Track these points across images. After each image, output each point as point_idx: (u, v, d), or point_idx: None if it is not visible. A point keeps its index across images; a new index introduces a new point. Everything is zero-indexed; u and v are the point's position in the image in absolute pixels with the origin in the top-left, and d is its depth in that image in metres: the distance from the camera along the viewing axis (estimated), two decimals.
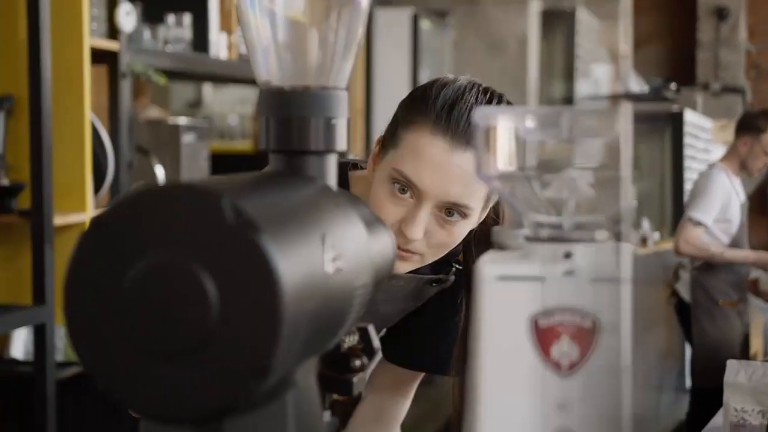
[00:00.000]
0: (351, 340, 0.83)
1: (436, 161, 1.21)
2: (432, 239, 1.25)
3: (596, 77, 5.66)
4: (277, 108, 0.75)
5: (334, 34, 0.77)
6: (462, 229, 1.27)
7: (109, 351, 0.60)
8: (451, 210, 1.24)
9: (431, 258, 1.28)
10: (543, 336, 0.65)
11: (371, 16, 4.60)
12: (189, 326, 0.58)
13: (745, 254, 4.52)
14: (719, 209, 4.34)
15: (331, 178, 0.77)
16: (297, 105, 0.74)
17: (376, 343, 0.85)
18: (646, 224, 6.13)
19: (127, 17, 2.65)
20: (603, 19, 7.88)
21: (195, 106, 5.99)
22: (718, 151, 8.19)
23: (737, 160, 4.43)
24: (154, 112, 4.72)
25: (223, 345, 0.58)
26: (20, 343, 2.73)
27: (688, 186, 6.99)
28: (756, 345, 4.75)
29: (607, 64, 5.69)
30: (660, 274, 4.54)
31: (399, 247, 1.23)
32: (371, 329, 0.84)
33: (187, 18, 3.10)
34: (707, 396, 4.26)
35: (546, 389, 0.65)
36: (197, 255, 0.58)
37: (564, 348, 0.65)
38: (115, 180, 2.63)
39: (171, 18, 3.06)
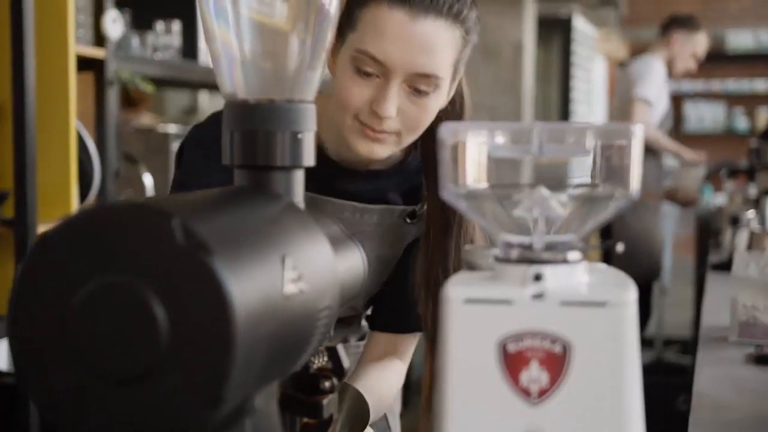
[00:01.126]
0: (319, 360, 0.81)
1: (398, 33, 1.19)
2: (405, 116, 1.23)
3: None
4: (241, 121, 0.72)
5: (301, 45, 0.75)
6: (434, 102, 1.25)
7: (55, 376, 0.58)
8: (420, 86, 1.21)
9: (407, 138, 1.26)
10: (512, 361, 0.62)
11: None
12: (137, 351, 0.56)
13: (684, 150, 4.59)
14: (658, 90, 4.37)
15: (298, 194, 0.74)
16: (262, 118, 0.72)
17: (346, 362, 0.82)
18: None
19: (114, 24, 2.62)
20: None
21: (190, 112, 5.97)
22: (600, 62, 8.24)
23: (667, 57, 4.46)
24: (146, 119, 4.70)
25: (173, 372, 0.55)
26: (3, 354, 2.70)
27: (574, 94, 7.00)
28: None
29: None
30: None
31: (373, 129, 1.22)
32: (340, 348, 0.81)
33: (176, 25, 3.08)
34: None
35: (515, 417, 0.63)
36: (146, 277, 0.56)
37: (533, 374, 0.62)
38: (101, 189, 2.60)
39: (160, 25, 3.03)
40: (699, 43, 4.49)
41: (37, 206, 2.30)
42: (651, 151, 4.38)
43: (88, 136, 2.56)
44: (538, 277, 0.63)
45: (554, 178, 0.68)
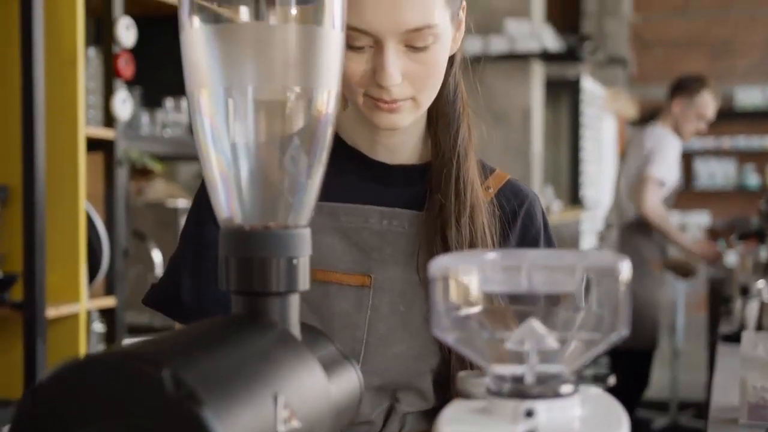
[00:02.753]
0: None
1: None
2: (413, 78, 1.15)
3: (511, 33, 5.49)
4: (236, 248, 0.73)
5: (296, 166, 0.75)
6: (438, 54, 1.16)
7: None
8: (416, 43, 1.13)
9: (425, 99, 1.18)
10: None
11: None
12: None
13: (691, 242, 4.56)
14: (672, 168, 4.37)
15: (293, 318, 0.75)
16: (257, 245, 0.73)
17: None
18: (549, 192, 6.04)
19: (124, 105, 2.65)
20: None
21: (201, 177, 5.97)
22: (609, 120, 8.27)
23: (672, 123, 4.46)
24: (159, 187, 4.73)
25: None
26: None
27: (584, 154, 6.99)
28: None
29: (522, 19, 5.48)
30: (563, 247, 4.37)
31: (385, 101, 1.15)
32: None
33: (185, 102, 3.11)
34: (629, 359, 4.23)
35: None
36: (137, 428, 0.56)
37: None
38: (110, 268, 2.61)
39: (169, 102, 3.07)
40: (703, 104, 4.47)
41: (45, 289, 2.31)
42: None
43: (98, 216, 2.58)
44: (530, 413, 0.63)
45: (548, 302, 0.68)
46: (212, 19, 0.73)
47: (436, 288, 0.66)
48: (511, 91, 5.40)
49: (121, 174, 2.69)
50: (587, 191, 7.25)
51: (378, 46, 1.13)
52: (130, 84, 2.81)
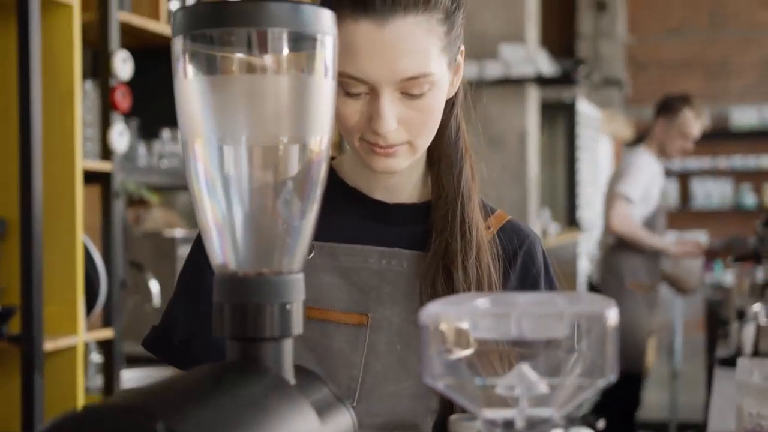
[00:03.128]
0: None
1: (368, 45, 1.12)
2: (409, 124, 1.16)
3: (505, 58, 5.49)
4: (230, 294, 0.74)
5: (289, 214, 0.76)
6: (434, 100, 1.17)
7: None
8: (412, 91, 1.14)
9: (422, 143, 1.19)
10: None
11: None
12: None
13: (669, 245, 4.56)
14: (644, 187, 4.37)
15: (287, 363, 0.75)
16: (251, 291, 0.74)
17: None
18: (546, 214, 6.05)
19: (121, 137, 2.67)
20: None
21: None
22: (605, 142, 8.30)
23: (656, 143, 4.49)
24: (157, 215, 4.74)
25: None
26: None
27: (580, 176, 7.00)
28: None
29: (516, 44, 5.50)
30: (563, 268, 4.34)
31: (381, 146, 1.16)
32: None
33: None
34: (618, 381, 4.19)
35: None
36: None
37: None
38: (108, 300, 2.62)
39: (166, 133, 3.09)
40: (683, 122, 4.46)
41: (43, 322, 2.31)
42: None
43: (95, 249, 2.59)
44: None
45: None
46: (206, 70, 0.75)
47: (427, 335, 0.67)
48: (507, 115, 5.42)
49: (118, 206, 2.70)
50: (584, 213, 7.27)
51: (374, 93, 1.14)
52: (127, 115, 2.83)
